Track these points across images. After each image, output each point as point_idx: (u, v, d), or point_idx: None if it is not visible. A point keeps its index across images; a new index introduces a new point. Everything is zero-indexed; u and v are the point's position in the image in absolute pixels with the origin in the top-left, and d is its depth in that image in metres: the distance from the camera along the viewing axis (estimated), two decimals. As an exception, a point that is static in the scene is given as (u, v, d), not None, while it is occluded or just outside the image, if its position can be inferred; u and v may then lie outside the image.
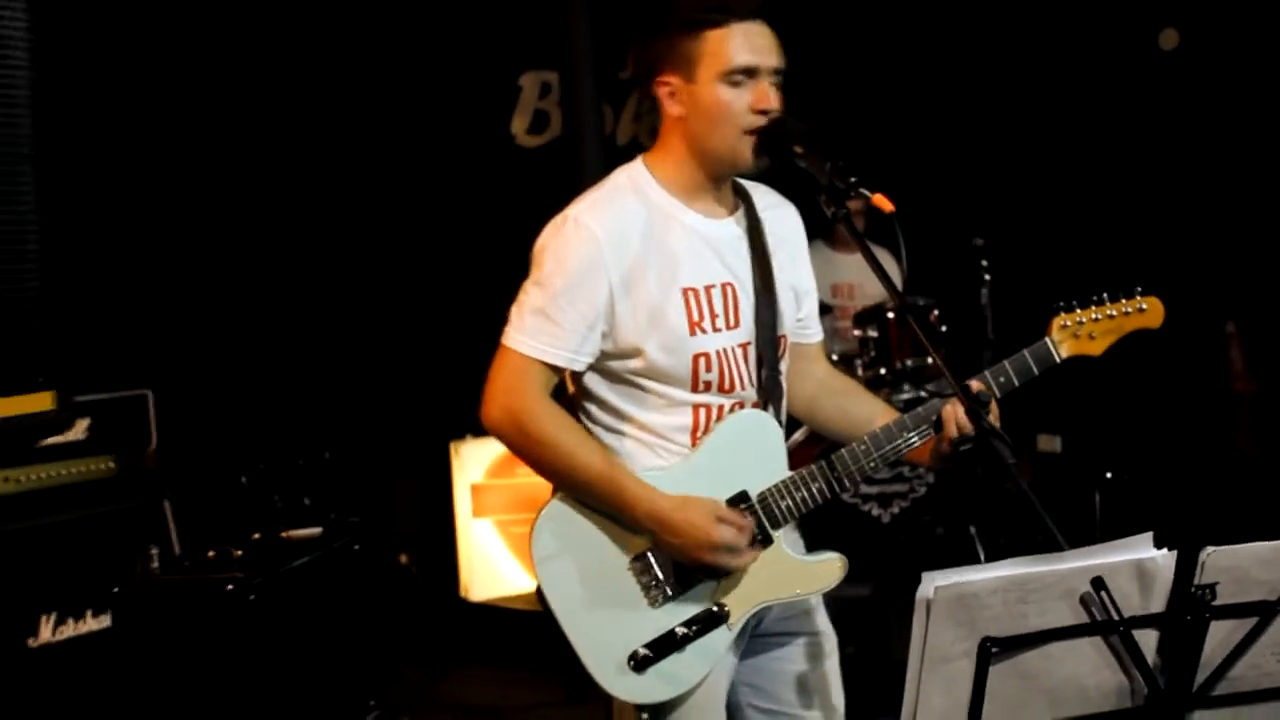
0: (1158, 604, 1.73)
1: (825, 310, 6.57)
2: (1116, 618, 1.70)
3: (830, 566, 2.62)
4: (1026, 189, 7.41)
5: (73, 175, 5.25)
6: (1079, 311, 2.67)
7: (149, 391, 4.96)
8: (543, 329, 2.49)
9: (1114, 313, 2.69)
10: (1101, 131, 7.16)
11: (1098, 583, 1.68)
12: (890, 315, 6.20)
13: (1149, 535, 1.73)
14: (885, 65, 7.76)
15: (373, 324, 6.33)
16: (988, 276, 6.43)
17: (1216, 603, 1.72)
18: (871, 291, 6.89)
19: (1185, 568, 1.72)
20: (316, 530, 3.99)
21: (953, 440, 2.46)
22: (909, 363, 6.11)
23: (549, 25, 5.96)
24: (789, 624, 2.70)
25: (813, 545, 5.99)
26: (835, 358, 6.62)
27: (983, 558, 6.01)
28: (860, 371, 6.19)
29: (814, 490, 2.58)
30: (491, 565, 6.27)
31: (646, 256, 2.51)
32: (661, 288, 2.52)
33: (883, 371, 6.11)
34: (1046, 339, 2.66)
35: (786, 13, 7.37)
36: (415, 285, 6.46)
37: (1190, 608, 1.72)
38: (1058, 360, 2.66)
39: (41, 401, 3.76)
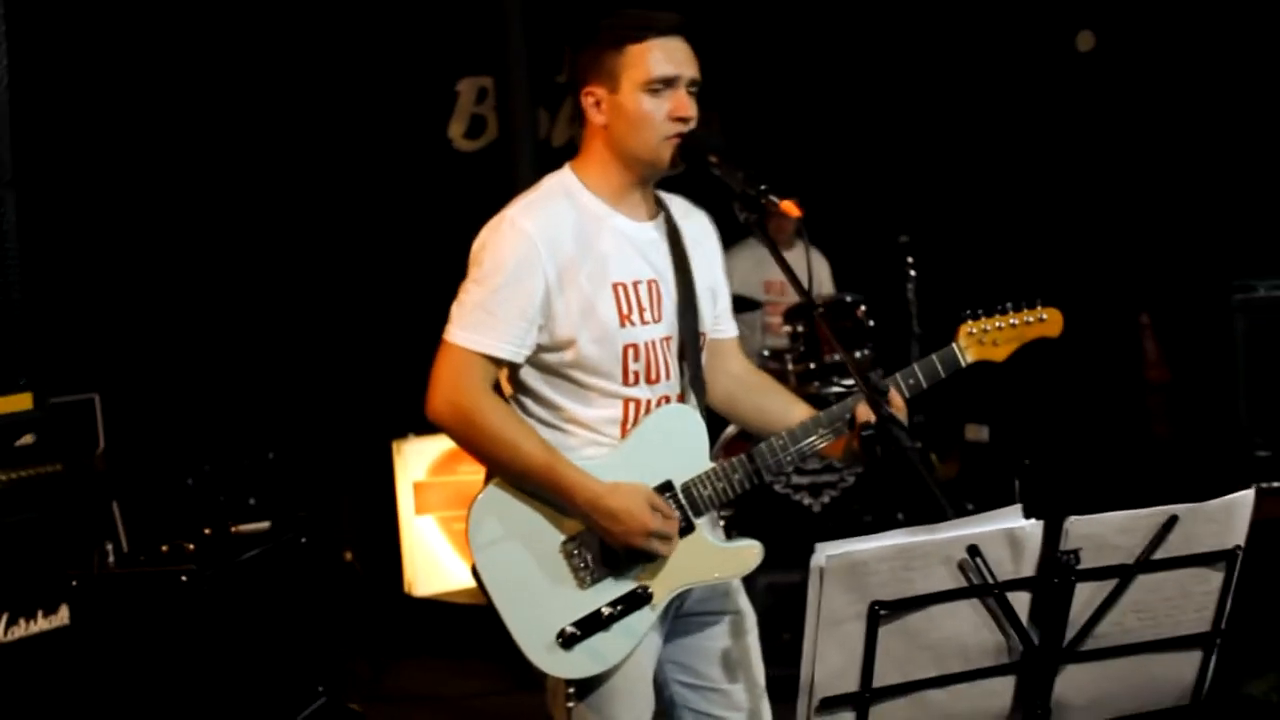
0: (1028, 569, 1.93)
1: (757, 306, 6.78)
2: (991, 581, 1.89)
3: (747, 552, 2.80)
4: (949, 187, 7.61)
5: (22, 184, 5.35)
6: (984, 319, 2.89)
7: (96, 395, 5.05)
8: (483, 324, 2.65)
9: (1016, 321, 2.89)
10: (1021, 131, 7.38)
11: (973, 550, 1.87)
12: (819, 311, 6.39)
13: (1019, 507, 1.92)
14: (811, 67, 7.93)
15: (315, 325, 6.44)
16: (913, 272, 6.65)
17: (1080, 567, 1.92)
18: (803, 288, 7.07)
19: (1051, 535, 1.91)
20: (265, 524, 4.12)
21: (859, 426, 2.65)
22: (838, 357, 6.30)
23: (485, 31, 6.10)
24: (710, 604, 2.87)
25: (746, 533, 6.16)
26: (767, 352, 6.81)
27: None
28: (791, 365, 6.37)
29: (734, 481, 2.76)
30: (434, 561, 6.39)
31: (578, 255, 2.69)
32: (593, 284, 2.69)
33: (812, 365, 6.30)
34: (953, 344, 2.88)
35: (716, 18, 7.57)
36: (356, 287, 6.58)
37: (1057, 571, 1.92)
38: (963, 364, 2.88)
39: (21, 402, 3.87)
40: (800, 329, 6.44)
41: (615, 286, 2.72)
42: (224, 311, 6.12)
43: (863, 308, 6.41)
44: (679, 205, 2.94)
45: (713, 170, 2.68)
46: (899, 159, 7.76)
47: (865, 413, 2.66)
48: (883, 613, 1.86)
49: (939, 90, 7.69)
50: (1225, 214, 6.45)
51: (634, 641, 2.71)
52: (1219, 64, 6.63)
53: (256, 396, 6.16)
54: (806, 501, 6.23)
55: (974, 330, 2.88)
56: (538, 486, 2.68)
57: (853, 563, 1.83)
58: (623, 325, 2.71)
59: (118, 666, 3.66)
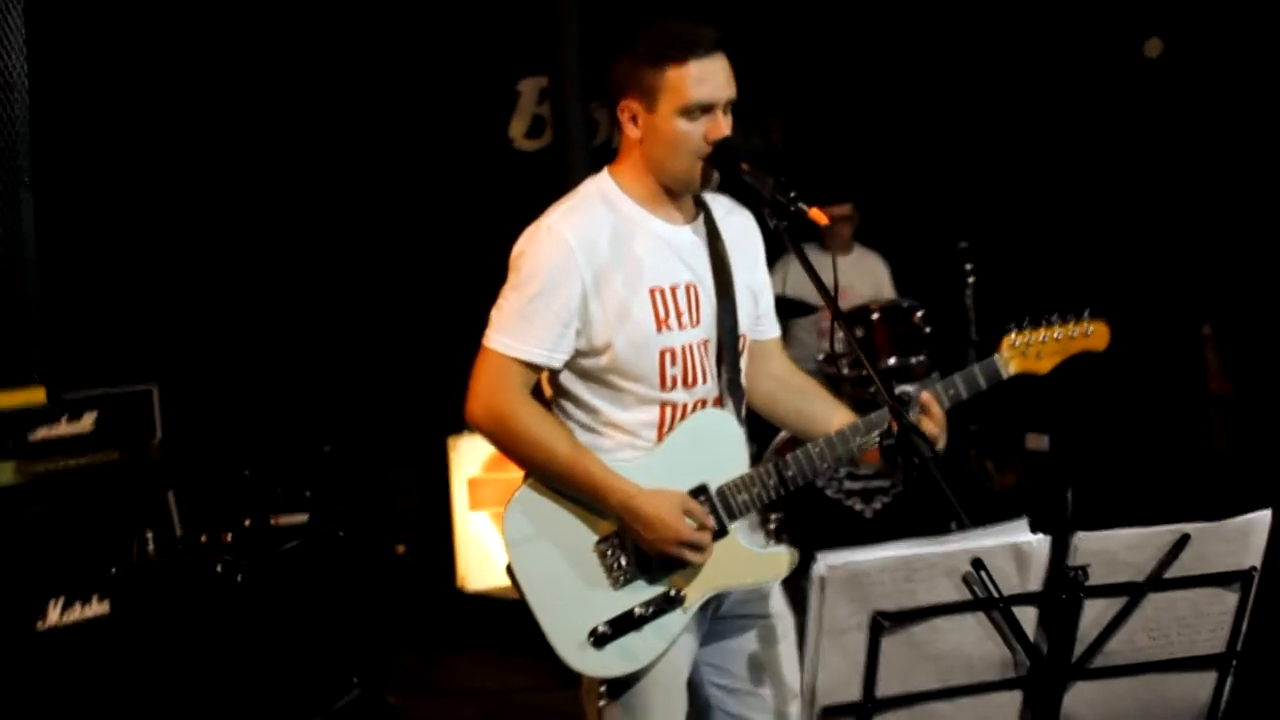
0: (1035, 584, 1.91)
1: (814, 310, 6.77)
2: (996, 595, 1.88)
3: (780, 558, 2.80)
4: (1011, 193, 7.55)
5: (80, 179, 5.47)
6: (1028, 331, 2.87)
7: (154, 386, 5.14)
8: (521, 329, 2.68)
9: (1060, 334, 2.86)
10: (1085, 137, 7.30)
11: (977, 563, 1.86)
12: (875, 316, 6.38)
13: (1025, 521, 1.91)
14: (875, 72, 7.89)
15: (373, 321, 6.52)
16: (972, 279, 6.61)
17: (1089, 583, 1.90)
18: (862, 293, 7.05)
19: (1059, 551, 1.90)
20: (304, 516, 4.18)
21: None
22: (892, 362, 6.29)
23: (542, 31, 6.13)
24: (747, 608, 2.87)
25: (797, 538, 6.15)
26: (823, 356, 6.80)
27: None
28: (847, 370, 6.37)
29: (770, 486, 2.75)
30: (486, 556, 6.43)
31: (615, 260, 2.70)
32: (629, 288, 2.70)
33: (867, 371, 6.28)
34: (995, 356, 2.87)
35: (779, 22, 7.56)
36: (415, 284, 6.65)
37: (1064, 587, 1.90)
38: (1004, 376, 2.87)
39: (35, 395, 3.97)
40: (857, 334, 6.42)
41: (652, 291, 2.73)
42: (285, 306, 6.22)
43: (920, 313, 6.40)
44: (722, 205, 2.94)
45: (744, 177, 2.68)
46: (960, 164, 7.70)
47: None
48: (885, 623, 1.86)
49: (1004, 96, 7.62)
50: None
51: (666, 642, 2.72)
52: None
53: (314, 391, 6.25)
54: (859, 507, 6.22)
55: (1017, 342, 2.86)
56: (572, 488, 2.70)
57: (854, 573, 1.83)
58: (659, 330, 2.72)
59: (155, 655, 3.72)
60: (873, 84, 7.91)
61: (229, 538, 3.89)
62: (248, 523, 3.97)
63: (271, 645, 3.91)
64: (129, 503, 4.73)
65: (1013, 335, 2.86)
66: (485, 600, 6.38)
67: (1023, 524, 1.91)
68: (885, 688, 1.91)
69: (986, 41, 7.67)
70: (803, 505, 6.22)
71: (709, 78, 2.67)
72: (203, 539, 3.90)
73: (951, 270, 6.64)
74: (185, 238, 5.91)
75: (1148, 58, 7.21)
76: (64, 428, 4.61)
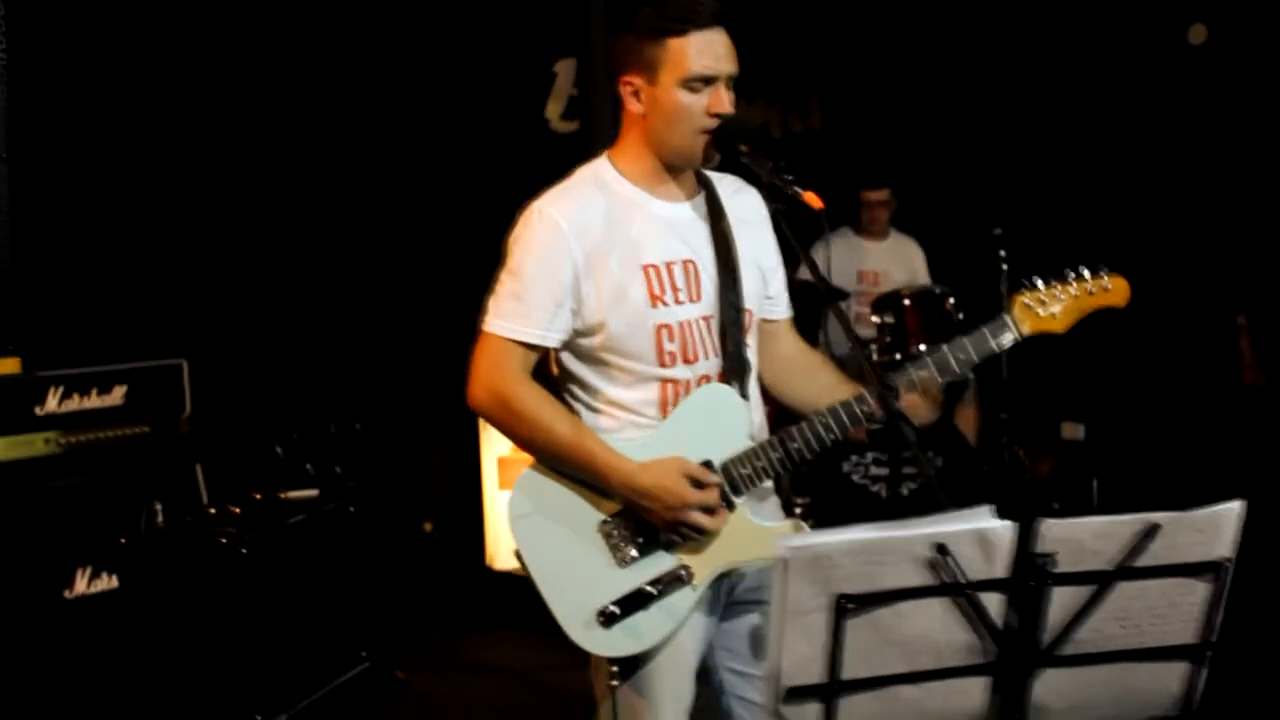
0: (1000, 570, 1.90)
1: (846, 295, 6.75)
2: (961, 581, 1.88)
3: (790, 532, 2.77)
4: (1046, 180, 7.49)
5: (110, 158, 5.54)
6: (1041, 289, 2.75)
7: (184, 361, 5.20)
8: (516, 312, 2.72)
9: (1077, 291, 2.75)
10: (1124, 124, 7.23)
11: (941, 548, 1.86)
12: (906, 302, 6.35)
13: (991, 507, 1.90)
14: (912, 57, 7.86)
15: (406, 300, 6.56)
16: (1005, 266, 6.55)
17: (1056, 571, 1.90)
18: (897, 279, 7.03)
19: (1025, 537, 1.89)
20: (313, 492, 4.23)
21: (866, 418, 2.65)
22: (923, 349, 6.25)
23: (572, 12, 6.14)
24: (761, 593, 2.82)
25: (824, 521, 6.18)
26: (851, 343, 6.78)
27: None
28: (876, 356, 6.35)
29: (773, 459, 2.74)
30: (515, 536, 6.47)
31: (609, 241, 2.72)
32: (624, 267, 2.72)
33: (898, 356, 6.27)
34: (1006, 315, 2.76)
35: (817, 7, 7.52)
36: (449, 264, 6.67)
37: (1031, 574, 1.90)
38: (1018, 336, 2.75)
39: (9, 366, 4.05)
40: (888, 320, 6.41)
41: (646, 268, 2.74)
42: (319, 284, 6.27)
43: (951, 300, 6.38)
44: (729, 184, 2.93)
45: (742, 159, 2.68)
46: (997, 150, 7.65)
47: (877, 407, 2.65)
48: (849, 606, 1.86)
49: (1044, 82, 7.56)
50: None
51: (675, 622, 2.73)
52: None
53: (346, 369, 6.31)
54: (885, 493, 6.21)
55: (1029, 301, 2.74)
56: (574, 469, 2.72)
57: (815, 555, 1.84)
58: (654, 305, 2.73)
59: (161, 626, 3.78)
60: (912, 69, 7.88)
61: (237, 511, 3.94)
62: (258, 496, 4.02)
63: (277, 618, 3.96)
64: (157, 476, 4.79)
65: (1024, 294, 2.75)
66: (513, 579, 6.37)
67: (986, 510, 1.91)
68: (850, 670, 1.92)
69: (1028, 27, 7.62)
70: (828, 490, 6.23)
71: (710, 49, 2.68)
72: (212, 512, 3.95)
73: (986, 257, 6.58)
74: (221, 214, 5.98)
75: (1191, 44, 7.12)
76: (94, 400, 4.68)
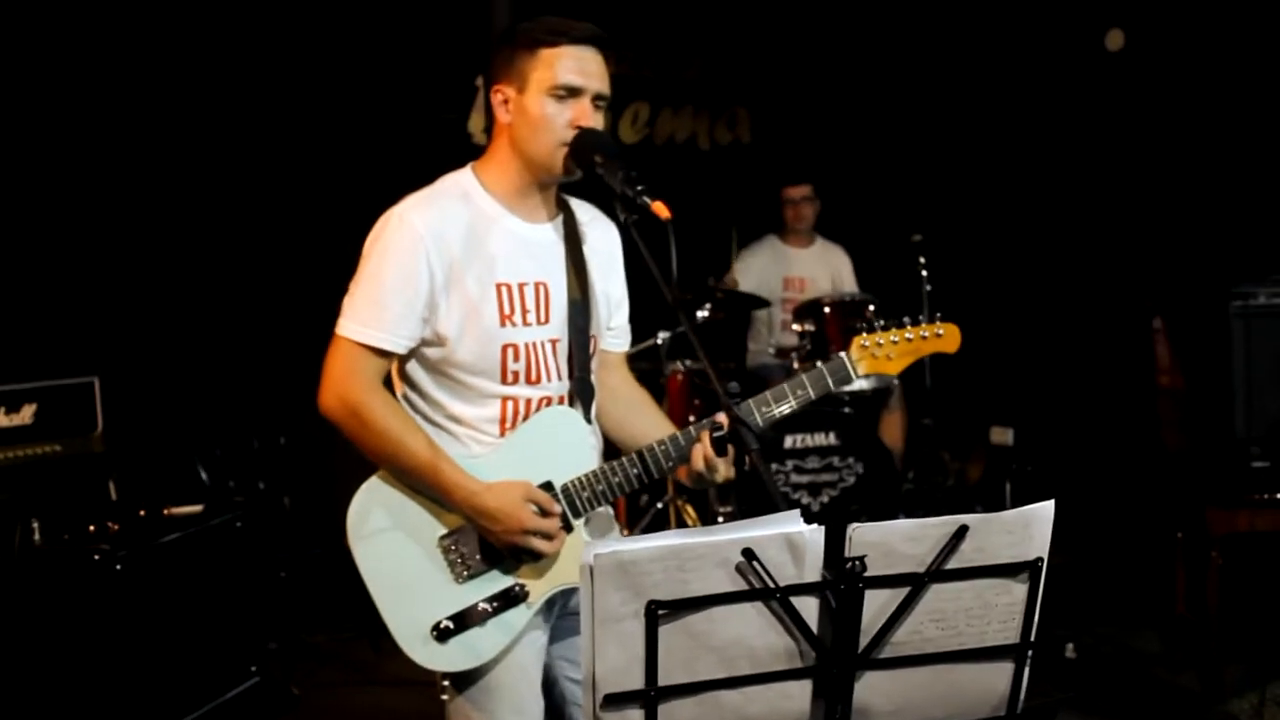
0: (811, 574, 1.92)
1: (767, 304, 6.77)
2: (771, 585, 1.89)
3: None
4: (966, 185, 7.54)
5: (15, 166, 5.49)
6: (879, 333, 2.94)
7: (96, 378, 5.16)
8: (370, 316, 2.71)
9: (911, 336, 2.92)
10: (1040, 129, 7.29)
11: (748, 553, 1.87)
12: (827, 310, 6.37)
13: (796, 512, 1.92)
14: (833, 64, 7.90)
15: (329, 310, 6.51)
16: (926, 272, 6.59)
17: (867, 574, 1.92)
18: (822, 286, 7.06)
19: (835, 541, 1.91)
20: (198, 507, 4.21)
21: (710, 426, 2.67)
22: (844, 355, 6.27)
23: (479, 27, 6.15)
24: None
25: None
26: (774, 350, 6.81)
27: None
28: (797, 364, 6.37)
29: (613, 483, 2.79)
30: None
31: (466, 255, 2.74)
32: (479, 285, 2.74)
33: (819, 363, 6.27)
34: (844, 355, 2.92)
35: (742, 17, 7.54)
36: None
37: (842, 578, 1.91)
38: (854, 377, 2.93)
39: None
40: (809, 328, 6.43)
41: (499, 286, 2.76)
42: (235, 296, 6.22)
43: (872, 307, 6.38)
44: (586, 212, 2.99)
45: (596, 169, 2.69)
46: (916, 156, 7.69)
47: (705, 451, 2.71)
48: (661, 612, 1.87)
49: (964, 88, 7.61)
50: (1237, 216, 6.32)
51: (509, 637, 2.75)
52: (1243, 66, 6.49)
53: (268, 381, 6.25)
54: (805, 500, 6.22)
55: (867, 343, 2.92)
56: (420, 483, 2.73)
57: (622, 561, 1.84)
58: (503, 325, 2.75)
59: (37, 646, 3.75)
60: (837, 77, 7.92)
61: (116, 527, 3.92)
62: (142, 513, 4.00)
63: (157, 634, 3.93)
64: (71, 495, 4.75)
65: (863, 336, 2.92)
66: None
67: (794, 515, 1.92)
68: (667, 676, 1.92)
69: (947, 34, 7.66)
70: (750, 500, 6.22)
71: (580, 63, 2.72)
72: (90, 529, 3.92)
73: (906, 263, 6.63)
74: (133, 224, 5.93)
75: (1109, 50, 7.19)
76: (1, 419, 4.64)
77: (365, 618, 5.85)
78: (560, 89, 2.71)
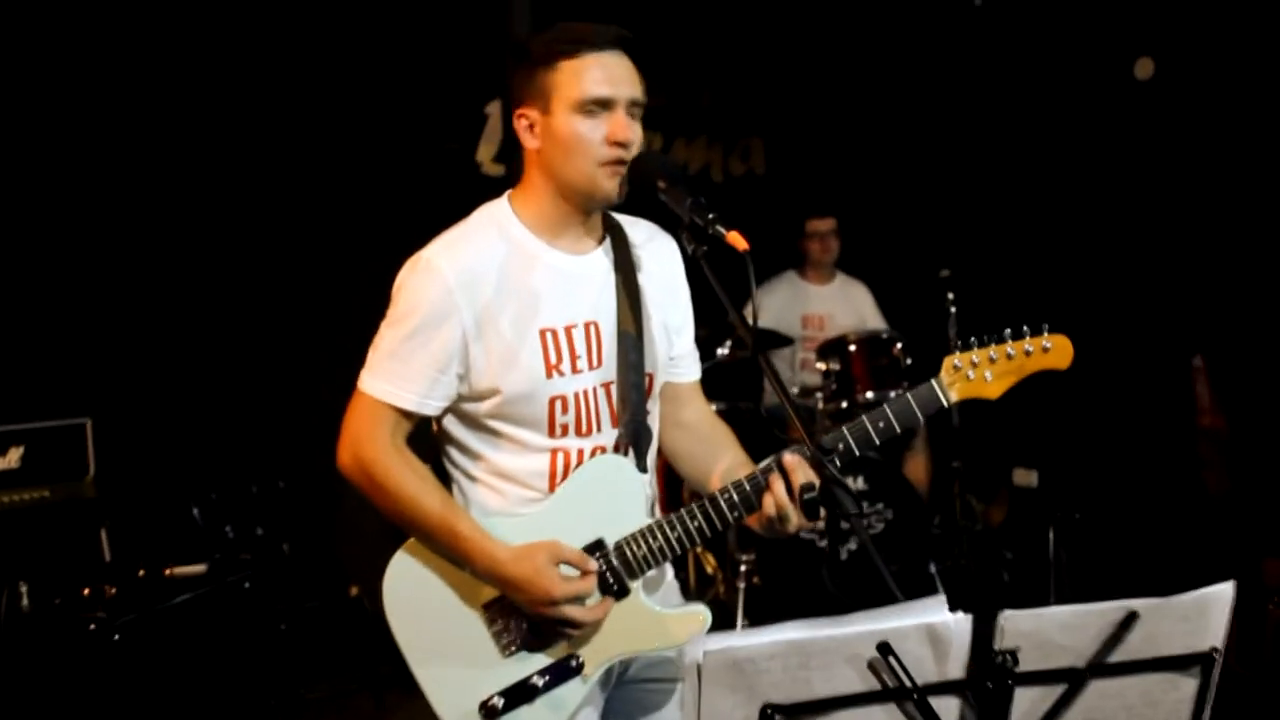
0: (955, 670, 1.63)
1: (790, 342, 6.51)
2: (909, 685, 1.60)
3: (691, 620, 2.52)
4: (994, 219, 7.32)
5: (5, 202, 5.25)
6: (974, 350, 2.46)
7: (88, 420, 4.92)
8: (394, 372, 2.44)
9: (1013, 352, 2.46)
10: (1074, 161, 7.08)
11: (884, 647, 1.58)
12: (852, 348, 6.11)
13: (942, 598, 1.63)
14: (859, 96, 7.71)
15: (330, 351, 6.25)
16: (954, 309, 6.34)
17: (1019, 669, 1.63)
18: (844, 323, 6.80)
19: (983, 632, 1.62)
20: (201, 567, 3.92)
21: (800, 487, 2.34)
22: (870, 395, 6.02)
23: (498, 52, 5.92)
24: (654, 670, 2.62)
25: (768, 577, 5.84)
26: (797, 390, 6.54)
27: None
28: (822, 404, 6.10)
29: (672, 538, 2.48)
30: (445, 597, 6.17)
31: (502, 297, 2.44)
32: (517, 330, 2.44)
33: (844, 405, 6.02)
34: (934, 380, 2.47)
35: (763, 47, 7.35)
36: (377, 314, 6.39)
37: (990, 674, 1.63)
38: (946, 404, 2.46)
39: None
40: (834, 366, 6.16)
41: (543, 333, 2.47)
42: (234, 336, 5.97)
43: (899, 345, 6.14)
44: (641, 231, 2.67)
45: (660, 196, 2.40)
46: (944, 190, 7.48)
47: (806, 473, 2.34)
48: (777, 717, 1.58)
49: (992, 120, 7.41)
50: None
51: (563, 716, 2.48)
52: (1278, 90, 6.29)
53: (267, 424, 5.99)
54: (831, 549, 5.93)
55: (960, 363, 2.45)
56: (441, 548, 2.47)
57: (735, 659, 1.55)
58: (549, 376, 2.46)
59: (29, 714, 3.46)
60: (856, 108, 7.72)
61: (113, 591, 3.61)
62: (141, 573, 3.71)
63: (158, 705, 3.63)
64: (63, 541, 4.51)
65: (955, 355, 2.46)
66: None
67: (940, 601, 1.63)
68: (782, 790, 1.64)
69: (974, 65, 7.47)
70: (773, 546, 5.95)
71: (606, 71, 2.41)
72: (85, 593, 3.62)
73: (933, 299, 6.37)
74: (128, 261, 5.67)
75: (1138, 79, 6.98)
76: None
77: (367, 671, 5.65)
78: (589, 104, 2.40)
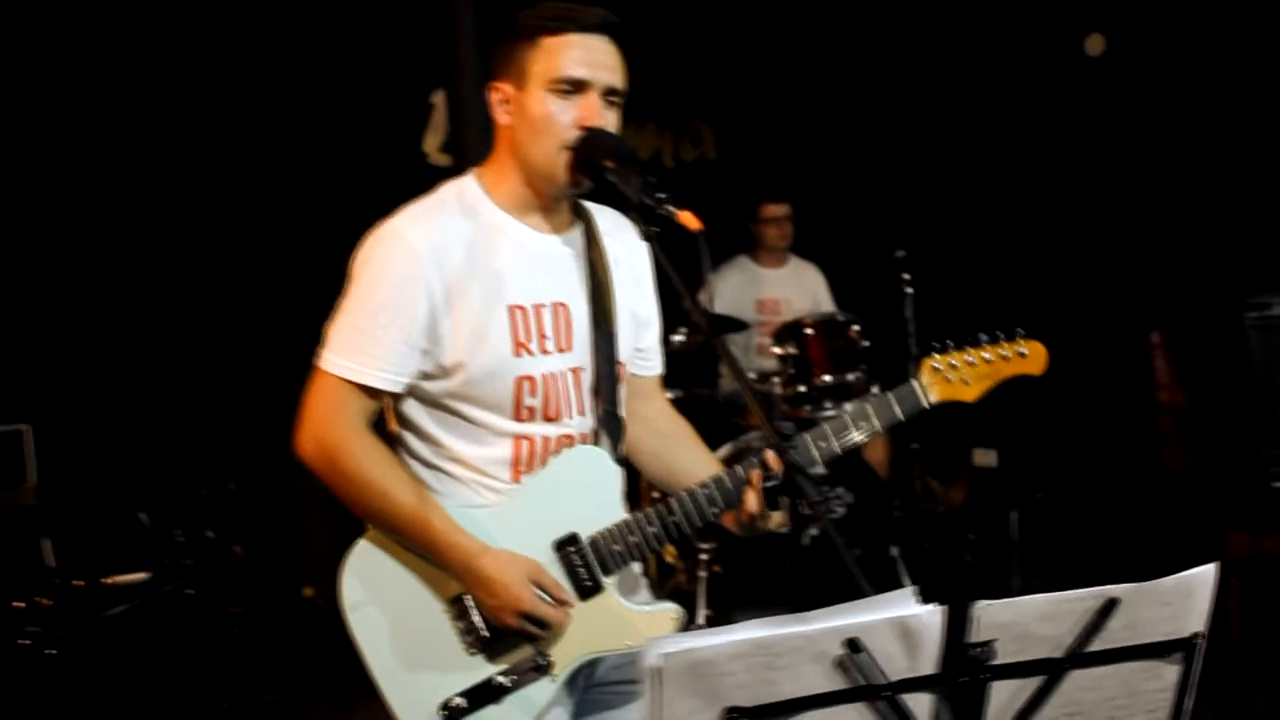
0: (927, 665, 1.55)
1: (745, 327, 6.43)
2: (880, 682, 1.52)
3: (663, 618, 2.45)
4: (949, 200, 7.28)
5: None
6: (952, 353, 2.50)
7: (26, 426, 4.79)
8: (358, 347, 2.33)
9: (990, 356, 2.49)
10: (1026, 140, 7.05)
11: (853, 644, 1.50)
12: (809, 331, 6.04)
13: (910, 590, 1.55)
14: (808, 77, 7.65)
15: (278, 348, 6.13)
16: (910, 290, 6.27)
17: (995, 662, 1.55)
18: (798, 307, 6.73)
19: (956, 624, 1.54)
20: (143, 575, 3.79)
21: (762, 476, 2.28)
22: (828, 379, 5.95)
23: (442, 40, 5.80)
24: (625, 671, 2.53)
25: (731, 565, 5.74)
26: (754, 375, 6.46)
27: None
28: (780, 389, 6.02)
29: (649, 534, 2.40)
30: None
31: (470, 272, 2.35)
32: (485, 305, 2.36)
33: (802, 389, 5.96)
34: (913, 381, 2.49)
35: (711, 29, 7.28)
36: (325, 310, 6.27)
37: (965, 668, 1.54)
38: (926, 405, 2.49)
39: None
40: (791, 351, 6.09)
41: (512, 309, 2.38)
42: (180, 335, 5.85)
43: (856, 327, 6.08)
44: (608, 218, 2.59)
45: (607, 176, 2.31)
46: (897, 170, 7.42)
47: (773, 461, 2.29)
48: (742, 722, 1.49)
49: (941, 98, 7.37)
50: (1242, 226, 6.06)
51: (530, 716, 2.38)
52: (1232, 70, 6.26)
53: (216, 425, 5.88)
54: (793, 535, 5.87)
55: (939, 365, 2.48)
56: (410, 541, 2.36)
57: (696, 662, 1.46)
58: (517, 354, 2.37)
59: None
60: (807, 89, 7.66)
61: (47, 603, 3.48)
62: (78, 583, 3.57)
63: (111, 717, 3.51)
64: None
65: (934, 358, 2.48)
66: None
67: (908, 594, 1.55)
68: (749, 797, 1.55)
69: (923, 43, 7.42)
70: (734, 534, 5.88)
71: (587, 53, 2.34)
72: (17, 605, 3.48)
73: (889, 281, 6.30)
74: (66, 261, 5.56)
75: (1089, 55, 6.95)
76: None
77: (324, 673, 5.55)
78: (564, 83, 2.32)
